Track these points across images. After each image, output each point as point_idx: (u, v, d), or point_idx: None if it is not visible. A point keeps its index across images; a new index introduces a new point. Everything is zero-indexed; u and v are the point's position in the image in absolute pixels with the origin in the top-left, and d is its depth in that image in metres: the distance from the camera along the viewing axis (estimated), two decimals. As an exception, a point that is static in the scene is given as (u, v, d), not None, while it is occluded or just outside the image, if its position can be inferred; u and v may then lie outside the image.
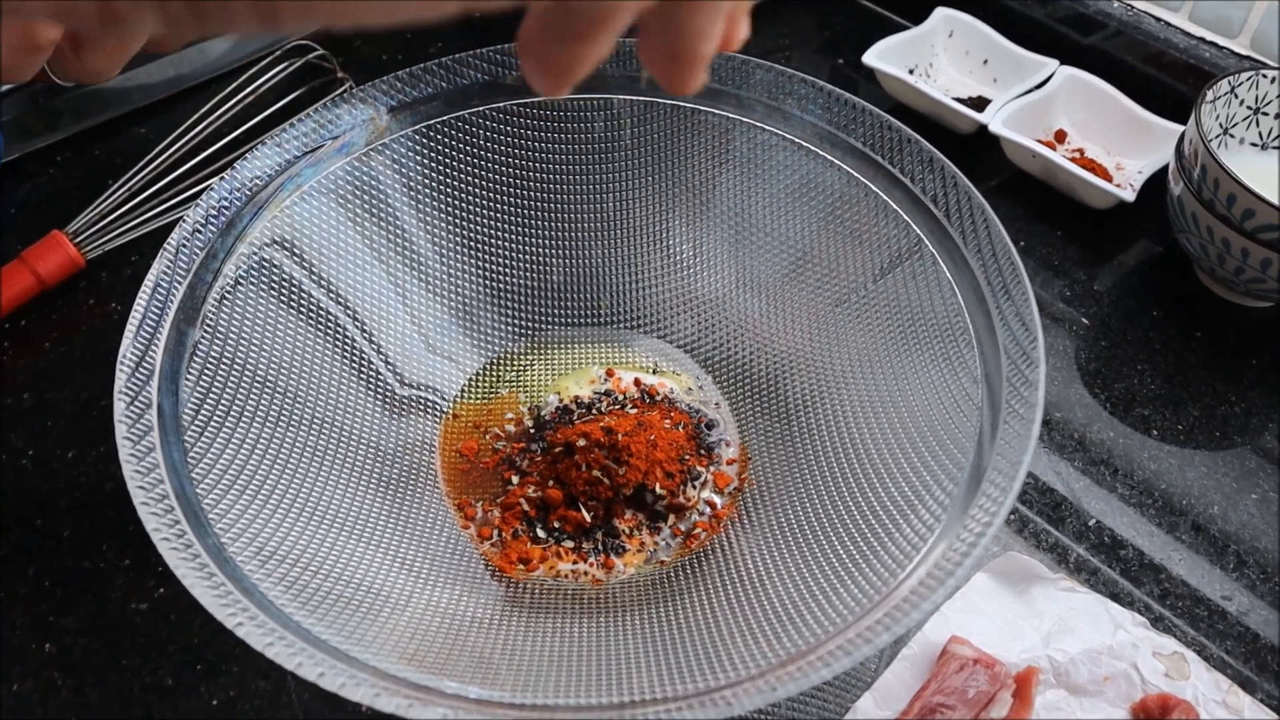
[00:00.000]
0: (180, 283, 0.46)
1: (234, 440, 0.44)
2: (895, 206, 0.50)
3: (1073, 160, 0.69)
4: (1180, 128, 0.70)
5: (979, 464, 0.41)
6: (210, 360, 0.45)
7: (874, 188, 0.51)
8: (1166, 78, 0.74)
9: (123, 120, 0.75)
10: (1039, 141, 0.70)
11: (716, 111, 0.55)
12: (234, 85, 0.71)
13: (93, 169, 0.71)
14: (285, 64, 0.73)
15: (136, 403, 0.41)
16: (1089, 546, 0.53)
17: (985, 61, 0.78)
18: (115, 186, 0.66)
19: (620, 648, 0.42)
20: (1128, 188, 0.67)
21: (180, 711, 0.47)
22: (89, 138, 0.74)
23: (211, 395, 0.44)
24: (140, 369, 0.42)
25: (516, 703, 0.36)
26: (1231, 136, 0.65)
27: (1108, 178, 0.69)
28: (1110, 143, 0.73)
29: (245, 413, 0.45)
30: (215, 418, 0.44)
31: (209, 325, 0.46)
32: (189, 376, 0.44)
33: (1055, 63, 0.75)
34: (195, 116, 0.69)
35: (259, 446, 0.45)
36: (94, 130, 0.74)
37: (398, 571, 0.45)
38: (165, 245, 0.46)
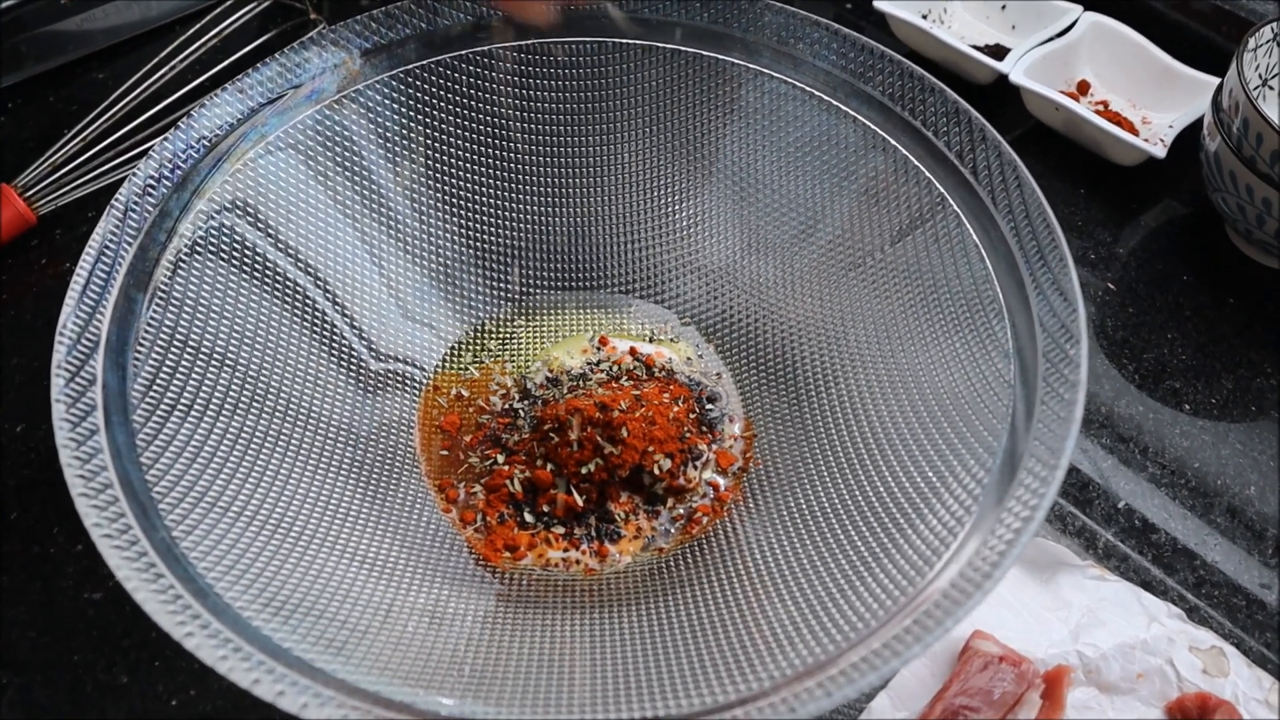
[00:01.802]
0: (130, 244, 0.42)
1: (189, 422, 0.40)
2: (916, 162, 0.47)
3: (1096, 113, 0.64)
4: (1211, 79, 0.65)
5: (1013, 449, 0.37)
6: (163, 332, 0.41)
7: (893, 141, 0.48)
8: (1197, 25, 0.69)
9: (79, 64, 0.70)
10: (1060, 93, 0.65)
11: (721, 57, 0.51)
12: (198, 27, 0.66)
13: (46, 117, 0.67)
14: (254, 3, 0.68)
15: (78, 379, 0.37)
16: (1118, 531, 0.49)
17: (1003, 7, 0.74)
18: (69, 136, 0.61)
19: (616, 651, 0.38)
20: (1158, 143, 0.62)
21: (135, 712, 0.43)
22: (43, 82, 0.69)
23: (164, 371, 0.40)
24: (83, 341, 0.38)
25: (500, 719, 0.32)
26: (1270, 89, 0.61)
27: (1134, 132, 0.65)
28: (1136, 95, 0.69)
29: (202, 392, 0.41)
30: (168, 397, 0.40)
31: (162, 292, 0.42)
32: (139, 350, 0.40)
33: (1079, 8, 0.70)
34: (155, 61, 0.64)
35: (217, 429, 0.41)
36: (50, 74, 0.69)
37: (372, 566, 0.41)
38: (113, 202, 0.42)
